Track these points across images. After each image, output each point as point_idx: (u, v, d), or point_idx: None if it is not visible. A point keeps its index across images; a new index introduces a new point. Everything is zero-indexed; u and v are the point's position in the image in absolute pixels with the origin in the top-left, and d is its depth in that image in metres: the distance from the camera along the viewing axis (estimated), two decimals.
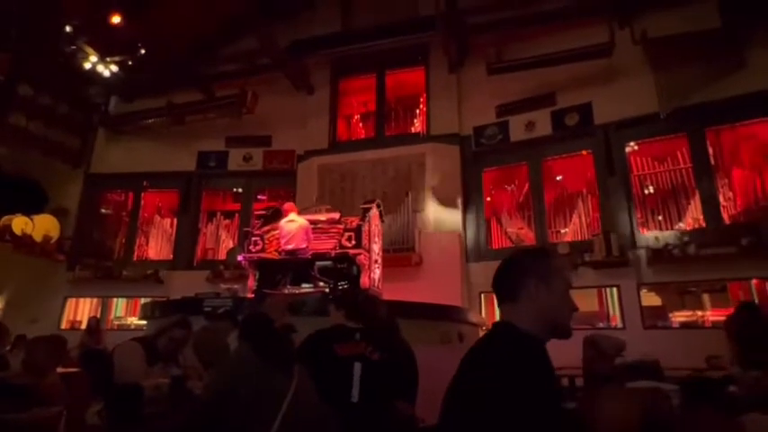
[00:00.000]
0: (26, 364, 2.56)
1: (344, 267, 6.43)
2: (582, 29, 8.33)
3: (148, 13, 8.76)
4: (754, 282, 6.91)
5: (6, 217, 9.40)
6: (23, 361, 2.59)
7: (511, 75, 8.55)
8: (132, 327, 9.65)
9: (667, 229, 7.67)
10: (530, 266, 1.29)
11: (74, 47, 8.50)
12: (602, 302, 7.86)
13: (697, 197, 7.51)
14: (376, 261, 6.85)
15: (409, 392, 2.69)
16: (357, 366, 2.37)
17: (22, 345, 6.96)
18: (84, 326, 8.97)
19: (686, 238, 7.13)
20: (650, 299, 7.61)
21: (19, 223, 9.40)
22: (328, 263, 6.46)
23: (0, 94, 9.13)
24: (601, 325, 7.72)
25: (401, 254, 7.94)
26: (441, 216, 8.57)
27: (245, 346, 2.21)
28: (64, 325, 9.83)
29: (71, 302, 10.11)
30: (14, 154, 9.93)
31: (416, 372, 2.74)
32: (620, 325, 7.45)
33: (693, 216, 7.55)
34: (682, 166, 7.84)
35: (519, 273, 1.29)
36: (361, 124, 10.82)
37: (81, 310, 10.16)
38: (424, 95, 9.85)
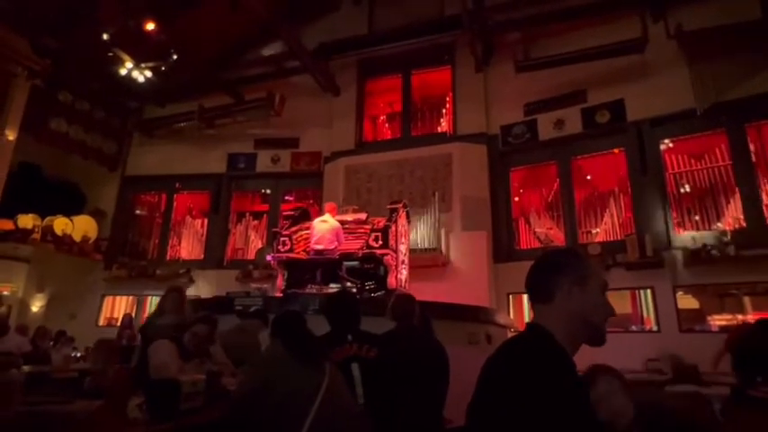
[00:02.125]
0: (93, 364, 2.73)
1: (371, 268, 6.45)
2: (613, 23, 8.14)
3: (180, 21, 9.02)
4: None
5: (48, 218, 9.85)
6: (91, 361, 2.76)
7: (539, 72, 8.43)
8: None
9: (705, 229, 7.40)
10: (564, 266, 1.24)
11: (110, 54, 8.82)
12: (636, 304, 7.64)
13: (737, 196, 7.22)
14: (403, 261, 6.84)
15: (440, 392, 2.68)
16: (355, 367, 2.38)
17: (63, 340, 7.30)
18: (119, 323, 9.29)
19: (725, 239, 6.85)
20: (687, 301, 7.35)
21: (60, 224, 9.83)
22: (355, 263, 6.49)
23: (42, 100, 9.56)
24: (634, 328, 7.52)
25: (428, 254, 7.91)
26: (468, 216, 8.49)
27: (277, 344, 2.25)
28: (101, 322, 10.21)
29: (108, 300, 10.50)
30: (56, 158, 10.39)
31: (447, 372, 2.73)
32: (654, 328, 7.23)
33: (733, 215, 7.26)
34: (720, 163, 7.55)
35: (553, 273, 1.24)
36: (387, 125, 10.84)
37: (118, 307, 10.53)
38: (451, 95, 9.80)
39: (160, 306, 3.99)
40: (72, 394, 2.28)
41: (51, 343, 7.02)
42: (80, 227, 10.24)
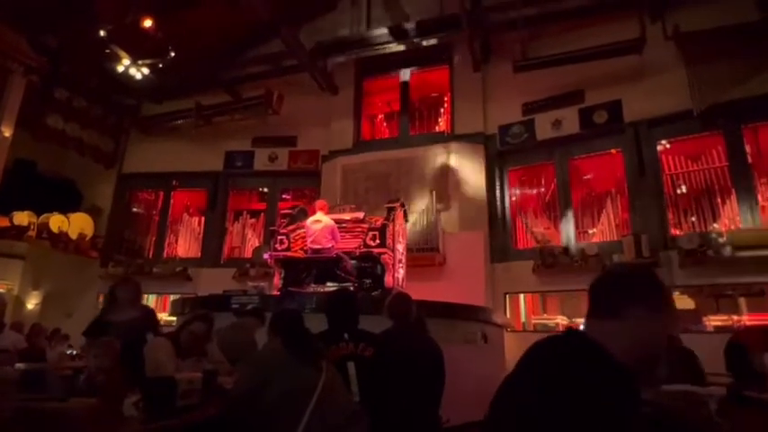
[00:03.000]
0: (100, 362, 2.71)
1: (369, 266, 6.45)
2: (611, 24, 8.15)
3: (178, 17, 8.98)
4: None
5: (44, 215, 9.80)
6: (95, 359, 2.73)
7: (537, 72, 8.41)
8: (162, 322, 9.89)
9: (701, 229, 7.43)
10: (644, 289, 1.14)
11: (107, 50, 8.78)
12: None
13: (733, 197, 7.25)
14: (400, 261, 6.84)
15: (436, 391, 2.68)
16: (351, 366, 2.41)
17: (58, 337, 7.27)
18: None
19: (721, 240, 6.88)
20: (683, 302, 7.37)
21: (56, 221, 9.79)
22: (353, 262, 6.49)
23: (38, 96, 9.51)
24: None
25: (425, 253, 7.92)
26: (465, 216, 8.51)
27: (275, 342, 2.25)
28: None
29: (104, 298, 10.45)
30: (52, 155, 10.35)
31: (444, 371, 2.73)
32: None
33: (729, 216, 7.29)
34: (717, 164, 7.58)
35: (629, 294, 1.13)
36: (385, 124, 10.84)
37: None
38: (449, 94, 9.80)
39: (114, 295, 3.73)
40: (67, 392, 2.28)
41: (46, 341, 6.99)
42: (76, 224, 10.19)
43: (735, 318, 7.00)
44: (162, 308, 10.37)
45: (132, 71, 9.18)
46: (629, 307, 1.10)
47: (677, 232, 7.53)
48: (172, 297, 8.96)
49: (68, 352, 6.79)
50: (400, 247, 6.88)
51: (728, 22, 7.09)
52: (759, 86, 6.92)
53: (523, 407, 1.03)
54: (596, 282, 1.19)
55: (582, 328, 1.17)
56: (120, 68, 9.07)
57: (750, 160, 7.26)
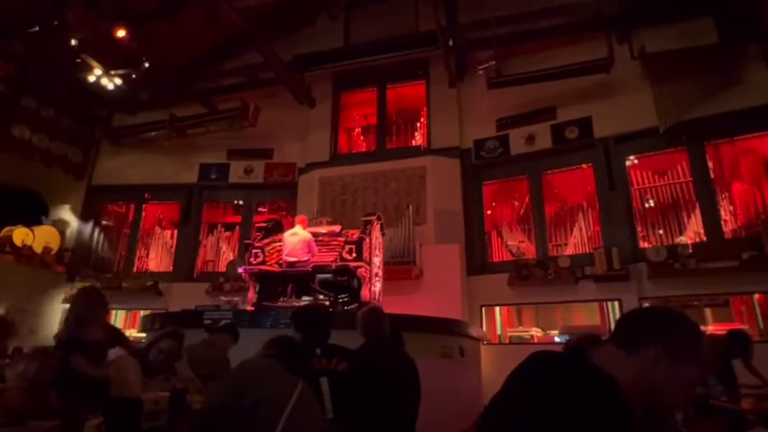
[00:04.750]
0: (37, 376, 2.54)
1: (345, 280, 6.42)
2: (581, 44, 8.44)
3: (152, 28, 8.87)
4: (756, 296, 6.88)
5: (7, 228, 9.42)
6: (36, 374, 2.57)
7: (511, 89, 8.62)
8: (131, 339, 9.56)
9: (668, 242, 7.66)
10: (669, 329, 1.08)
11: (78, 60, 8.59)
12: (604, 316, 7.82)
13: (697, 211, 7.52)
14: (377, 274, 6.83)
15: (412, 407, 2.66)
16: (324, 381, 2.38)
17: (18, 357, 6.94)
18: None
19: (687, 252, 7.11)
20: None
21: (20, 234, 9.42)
22: (329, 275, 6.45)
23: (4, 105, 9.20)
24: (604, 338, 7.67)
25: (402, 267, 7.91)
26: (441, 229, 8.56)
27: (262, 355, 2.19)
28: None
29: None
30: (17, 166, 9.98)
31: (419, 386, 2.72)
32: None
33: (694, 230, 7.55)
34: (682, 179, 7.86)
35: (649, 331, 1.08)
36: (362, 137, 10.89)
37: None
38: (425, 109, 9.93)
39: (79, 313, 3.33)
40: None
41: (7, 360, 6.67)
42: (42, 237, 9.82)
43: (701, 327, 7.19)
44: (131, 324, 10.04)
45: (104, 81, 9.00)
46: (644, 347, 1.05)
47: (645, 245, 7.75)
48: (142, 312, 8.68)
49: None
50: (377, 261, 6.88)
51: (690, 45, 7.43)
52: (719, 105, 7.25)
53: (514, 426, 1.00)
54: (628, 315, 1.18)
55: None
56: (92, 79, 8.88)
57: (712, 175, 7.56)
